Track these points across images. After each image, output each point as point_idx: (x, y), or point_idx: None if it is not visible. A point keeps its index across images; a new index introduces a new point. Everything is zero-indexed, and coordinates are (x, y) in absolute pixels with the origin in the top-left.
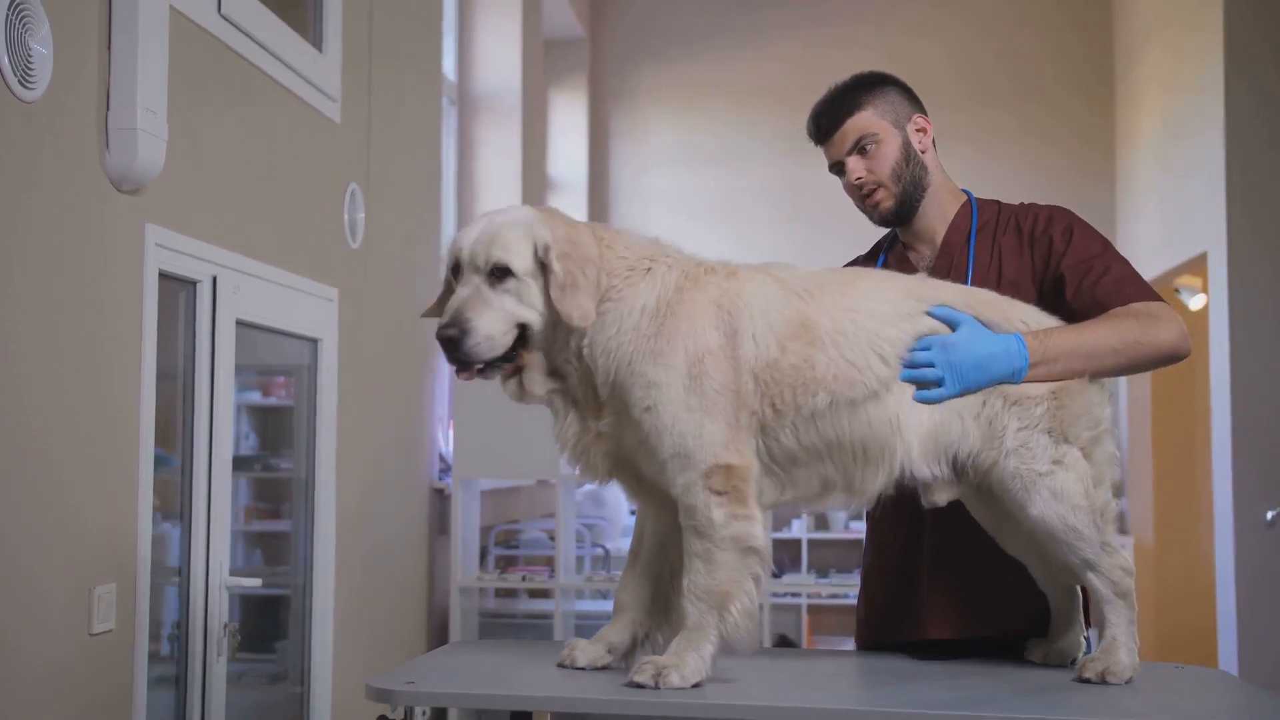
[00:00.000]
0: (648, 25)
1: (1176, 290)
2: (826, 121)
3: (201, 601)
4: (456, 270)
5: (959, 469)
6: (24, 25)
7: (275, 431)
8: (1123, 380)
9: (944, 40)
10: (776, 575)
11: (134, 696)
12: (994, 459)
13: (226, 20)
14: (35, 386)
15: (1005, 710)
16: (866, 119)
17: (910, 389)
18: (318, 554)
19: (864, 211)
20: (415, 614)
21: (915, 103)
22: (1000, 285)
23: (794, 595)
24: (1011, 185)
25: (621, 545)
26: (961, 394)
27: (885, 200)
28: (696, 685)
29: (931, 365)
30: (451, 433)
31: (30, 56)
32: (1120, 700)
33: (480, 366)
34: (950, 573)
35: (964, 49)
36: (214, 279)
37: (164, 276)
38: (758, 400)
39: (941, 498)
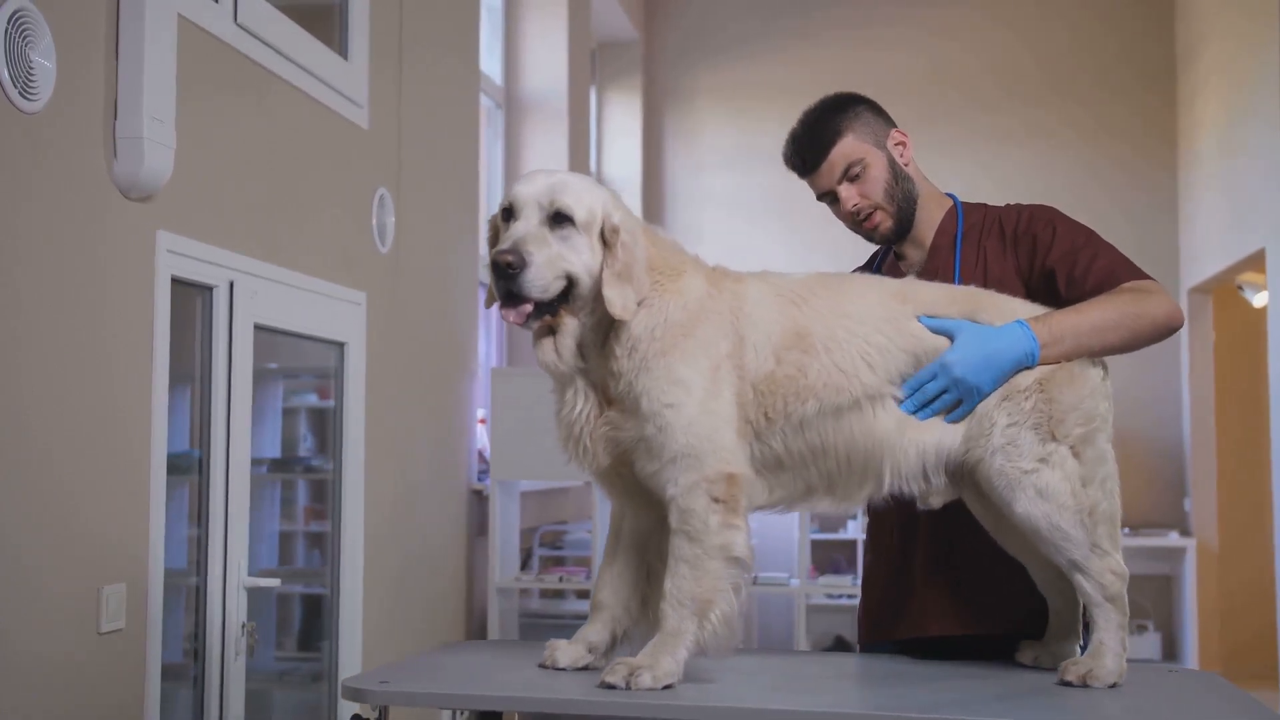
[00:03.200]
0: (701, 27)
1: (1240, 287)
2: (811, 154)
3: (219, 601)
4: (508, 215)
5: (951, 472)
6: (24, 38)
7: (332, 433)
8: (1185, 380)
9: (1003, 38)
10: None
11: (146, 695)
12: (980, 456)
13: (243, 29)
14: (45, 391)
15: (972, 714)
16: (850, 145)
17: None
18: (345, 555)
19: (863, 235)
20: (454, 615)
21: (887, 118)
22: (987, 286)
23: (850, 597)
24: (1074, 184)
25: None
26: (987, 396)
27: (884, 222)
28: (668, 687)
29: (945, 391)
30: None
31: (31, 68)
32: (1100, 704)
33: (529, 309)
34: (946, 570)
35: (1023, 47)
36: (230, 284)
37: (179, 282)
38: (754, 409)
39: (936, 501)
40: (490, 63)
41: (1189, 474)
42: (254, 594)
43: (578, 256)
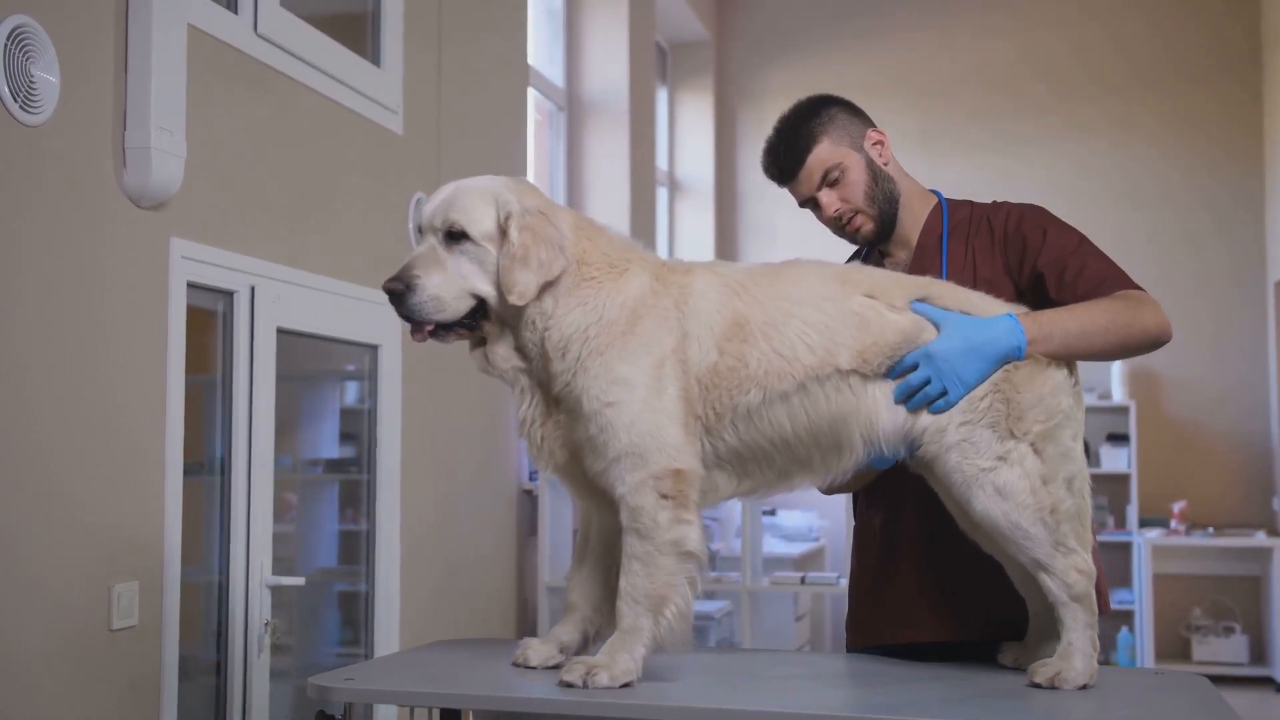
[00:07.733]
0: (773, 26)
1: None
2: (787, 162)
3: (242, 600)
4: (420, 234)
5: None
6: (25, 53)
7: (366, 435)
8: (1272, 376)
9: (1081, 28)
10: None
11: (162, 692)
12: (935, 453)
13: (265, 39)
14: (58, 392)
15: (930, 715)
16: (826, 150)
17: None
18: (381, 555)
19: (846, 239)
20: (505, 615)
21: (864, 118)
22: (976, 286)
23: None
24: (1157, 176)
25: (734, 546)
26: (973, 388)
27: (865, 225)
28: (626, 685)
29: (928, 380)
30: None
31: (33, 82)
32: (1064, 706)
33: (431, 328)
34: (929, 575)
35: (1105, 38)
36: (252, 289)
37: (198, 288)
38: (701, 404)
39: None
40: (552, 65)
41: (1278, 472)
42: (298, 592)
43: (481, 271)
